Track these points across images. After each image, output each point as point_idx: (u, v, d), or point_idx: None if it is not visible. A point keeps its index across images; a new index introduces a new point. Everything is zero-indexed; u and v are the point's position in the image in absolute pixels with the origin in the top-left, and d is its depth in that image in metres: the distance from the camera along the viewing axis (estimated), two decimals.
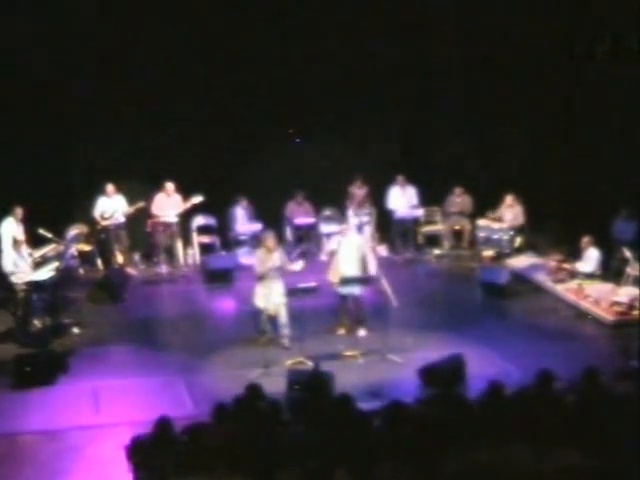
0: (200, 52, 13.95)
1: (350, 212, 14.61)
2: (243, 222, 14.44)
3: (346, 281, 10.47)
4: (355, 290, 10.60)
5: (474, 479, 5.70)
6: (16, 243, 11.36)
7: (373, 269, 10.65)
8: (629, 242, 12.28)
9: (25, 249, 11.52)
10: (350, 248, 10.61)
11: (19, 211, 11.86)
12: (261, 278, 10.27)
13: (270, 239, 10.36)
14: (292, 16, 14.00)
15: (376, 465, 5.61)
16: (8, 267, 11.17)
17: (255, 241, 14.24)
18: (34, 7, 12.95)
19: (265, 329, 10.42)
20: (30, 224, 11.90)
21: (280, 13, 13.97)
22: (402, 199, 14.76)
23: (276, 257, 10.30)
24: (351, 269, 10.52)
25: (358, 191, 14.77)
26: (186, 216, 13.96)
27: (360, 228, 13.84)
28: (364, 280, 10.50)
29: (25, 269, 11.18)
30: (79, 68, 13.56)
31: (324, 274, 10.91)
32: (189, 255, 14.21)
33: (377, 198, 14.80)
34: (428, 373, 9.19)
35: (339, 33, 14.25)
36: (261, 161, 14.31)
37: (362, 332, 10.70)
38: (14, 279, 11.09)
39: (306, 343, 9.97)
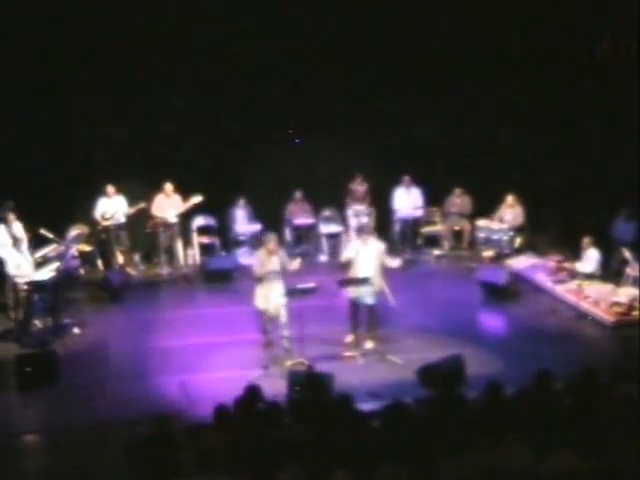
0: (199, 53, 13.96)
1: (350, 211, 14.64)
2: (243, 222, 14.46)
3: (354, 282, 10.26)
4: (368, 298, 10.27)
5: None
6: (16, 241, 11.39)
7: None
8: (629, 243, 12.27)
9: (26, 248, 11.55)
10: (370, 256, 10.27)
11: (11, 217, 11.88)
12: (260, 280, 10.18)
13: (272, 241, 10.17)
14: (290, 16, 14.00)
15: (376, 466, 5.62)
16: (12, 270, 11.18)
17: (255, 241, 14.28)
18: (35, 5, 12.93)
19: (267, 330, 10.40)
20: (31, 225, 11.91)
21: (278, 13, 13.97)
22: (407, 200, 14.77)
23: (275, 261, 10.13)
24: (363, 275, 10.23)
25: (359, 187, 14.79)
26: (186, 217, 13.98)
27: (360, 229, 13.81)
28: (367, 280, 10.21)
29: (28, 270, 11.18)
30: (80, 67, 13.57)
31: (324, 275, 10.90)
32: (189, 255, 14.21)
33: (377, 198, 14.81)
34: (427, 374, 9.18)
35: (338, 33, 14.26)
36: (261, 161, 14.31)
37: (369, 344, 10.44)
38: (17, 280, 11.10)
39: (306, 344, 9.97)
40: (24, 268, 11.15)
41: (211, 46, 13.92)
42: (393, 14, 14.22)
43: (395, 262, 10.53)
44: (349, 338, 10.57)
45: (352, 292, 10.34)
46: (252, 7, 13.87)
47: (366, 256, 10.28)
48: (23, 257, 11.34)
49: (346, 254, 10.53)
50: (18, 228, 11.91)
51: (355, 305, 10.43)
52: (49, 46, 13.13)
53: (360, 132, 14.82)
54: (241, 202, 14.41)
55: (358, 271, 10.28)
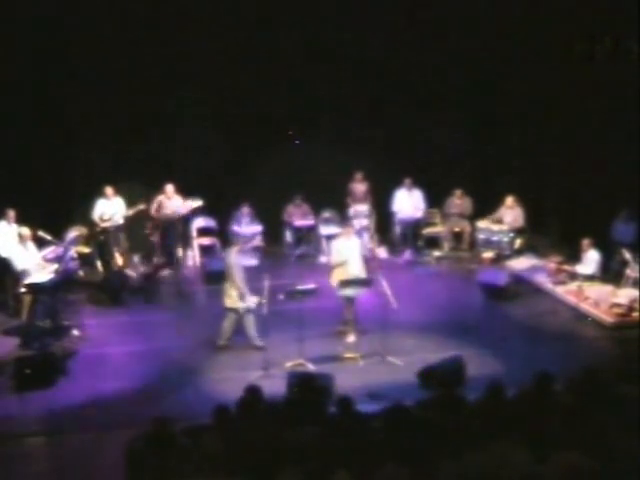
0: (199, 54, 13.95)
1: (351, 212, 14.63)
2: (244, 226, 14.42)
3: (351, 283, 10.40)
4: (352, 292, 10.57)
5: None
6: (22, 238, 11.35)
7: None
8: (629, 244, 12.28)
9: (31, 245, 11.52)
10: (354, 250, 10.62)
11: (11, 214, 11.85)
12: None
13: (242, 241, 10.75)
14: (290, 16, 13.99)
15: (376, 467, 5.61)
16: (19, 266, 11.09)
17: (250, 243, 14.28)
18: (37, 9, 12.92)
19: (231, 331, 10.52)
20: (30, 226, 11.89)
21: (278, 12, 13.96)
22: (408, 202, 14.76)
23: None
24: (356, 271, 10.55)
25: (359, 186, 14.78)
26: (186, 218, 13.96)
27: (360, 230, 13.83)
28: (367, 281, 10.48)
29: (33, 267, 11.14)
30: (79, 70, 13.57)
31: (324, 276, 10.91)
32: (189, 257, 14.21)
33: (378, 200, 14.79)
34: (428, 375, 9.19)
35: (337, 32, 14.25)
36: (261, 163, 14.31)
37: (351, 338, 10.62)
38: (24, 277, 11.04)
39: (306, 345, 9.96)
40: (30, 264, 11.11)
41: (210, 48, 13.91)
42: (394, 14, 14.22)
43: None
44: (349, 338, 10.59)
45: (345, 290, 10.50)
46: (253, 6, 13.87)
47: (350, 250, 10.56)
48: (29, 254, 11.30)
49: (334, 259, 10.71)
50: (20, 227, 11.86)
51: (349, 302, 10.64)
52: (50, 46, 13.14)
53: (361, 133, 14.81)
54: (245, 209, 14.37)
55: (350, 270, 10.47)
